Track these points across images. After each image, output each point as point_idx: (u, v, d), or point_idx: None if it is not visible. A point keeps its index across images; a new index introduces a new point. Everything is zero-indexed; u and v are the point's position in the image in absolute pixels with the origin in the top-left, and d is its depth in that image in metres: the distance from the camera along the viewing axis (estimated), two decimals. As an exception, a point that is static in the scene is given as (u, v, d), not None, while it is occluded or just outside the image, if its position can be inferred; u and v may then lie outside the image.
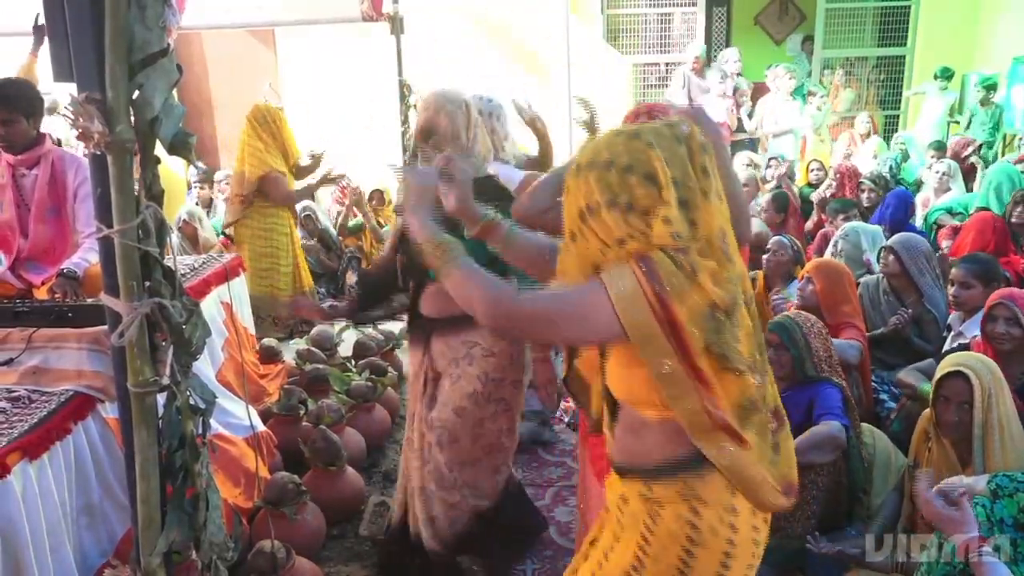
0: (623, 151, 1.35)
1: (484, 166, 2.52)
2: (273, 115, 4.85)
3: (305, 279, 5.16)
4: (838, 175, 5.92)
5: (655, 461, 1.47)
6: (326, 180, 5.11)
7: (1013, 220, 4.51)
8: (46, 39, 3.84)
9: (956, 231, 4.96)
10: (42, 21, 3.72)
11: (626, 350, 1.41)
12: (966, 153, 6.49)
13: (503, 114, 3.16)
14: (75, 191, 2.85)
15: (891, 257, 3.57)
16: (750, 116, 7.92)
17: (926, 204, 5.89)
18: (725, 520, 1.46)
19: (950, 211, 5.56)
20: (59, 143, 4.36)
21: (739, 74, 7.86)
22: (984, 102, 7.49)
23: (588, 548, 1.67)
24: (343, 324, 5.21)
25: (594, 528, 1.70)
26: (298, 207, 5.98)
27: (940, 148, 6.69)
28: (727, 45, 9.48)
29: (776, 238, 4.04)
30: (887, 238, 4.12)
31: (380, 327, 4.81)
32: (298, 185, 5.06)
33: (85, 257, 2.75)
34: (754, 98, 8.07)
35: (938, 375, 2.33)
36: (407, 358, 2.81)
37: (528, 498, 2.97)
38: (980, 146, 6.62)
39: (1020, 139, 6.99)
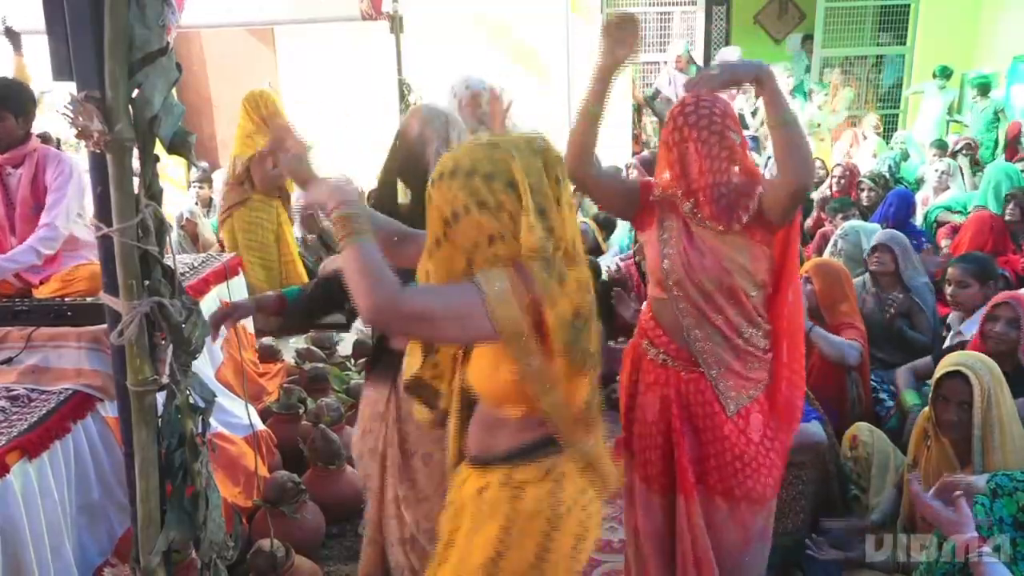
0: (484, 159, 1.41)
1: None
2: (266, 99, 4.70)
3: (298, 276, 5.02)
4: (847, 172, 5.91)
5: (514, 447, 1.54)
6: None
7: (1007, 218, 4.53)
8: (31, 38, 3.82)
9: (955, 230, 4.97)
10: (10, 23, 3.74)
11: (493, 352, 1.46)
12: (954, 149, 6.51)
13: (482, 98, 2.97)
14: (50, 183, 2.83)
15: (887, 255, 3.57)
16: (754, 114, 7.90)
17: (926, 203, 5.89)
18: (579, 500, 1.55)
19: (949, 209, 5.57)
20: (58, 143, 4.36)
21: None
22: (976, 101, 7.50)
23: (444, 552, 1.65)
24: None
25: (445, 532, 1.68)
26: (298, 206, 5.96)
27: (942, 147, 6.69)
28: (727, 44, 9.48)
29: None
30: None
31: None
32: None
33: (13, 259, 2.68)
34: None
35: (937, 375, 2.33)
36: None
37: None
38: (968, 144, 6.62)
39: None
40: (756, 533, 2.16)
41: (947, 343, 3.24)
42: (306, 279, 5.14)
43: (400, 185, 2.19)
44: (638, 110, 8.60)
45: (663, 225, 2.10)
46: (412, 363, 1.64)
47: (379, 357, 2.31)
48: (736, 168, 2.00)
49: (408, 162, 2.18)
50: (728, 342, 2.05)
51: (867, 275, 3.69)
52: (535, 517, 1.52)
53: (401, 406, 2.22)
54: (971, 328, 3.10)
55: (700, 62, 8.96)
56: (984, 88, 7.51)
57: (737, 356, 2.06)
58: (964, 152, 6.45)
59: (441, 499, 2.12)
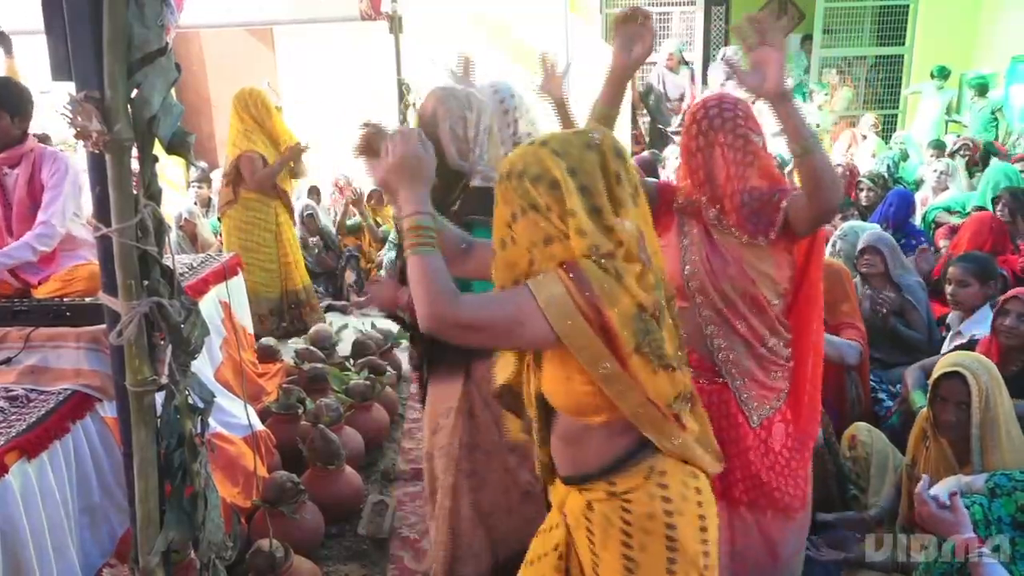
0: (532, 161, 1.41)
1: (492, 176, 2.31)
2: (257, 98, 4.68)
3: (299, 277, 5.02)
4: (847, 171, 5.92)
5: (608, 459, 1.50)
6: (292, 153, 4.76)
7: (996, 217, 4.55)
8: (25, 39, 3.80)
9: (954, 230, 4.97)
10: (1, 26, 3.75)
11: (562, 361, 1.44)
12: (952, 150, 6.51)
13: (522, 109, 2.73)
14: (46, 182, 2.82)
15: (877, 257, 3.57)
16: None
17: (925, 203, 5.90)
18: (690, 485, 1.52)
19: (948, 210, 5.57)
20: (46, 139, 4.34)
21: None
22: (974, 101, 7.51)
23: (555, 557, 1.62)
24: (342, 323, 5.20)
25: (544, 551, 1.64)
26: (299, 205, 5.95)
27: (939, 147, 6.69)
28: (726, 44, 9.48)
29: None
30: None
31: (378, 326, 4.81)
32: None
33: (8, 254, 2.69)
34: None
35: (935, 375, 2.34)
36: (406, 358, 2.62)
37: None
38: (965, 145, 6.62)
39: (1018, 138, 7.00)
40: (786, 550, 2.12)
41: (947, 344, 3.24)
42: (308, 281, 5.15)
43: None
44: (635, 110, 8.60)
45: (683, 231, 2.05)
46: (504, 370, 1.63)
47: (442, 355, 2.28)
48: (759, 173, 1.94)
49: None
50: (751, 351, 2.01)
51: (857, 277, 3.70)
52: (651, 519, 1.48)
53: (475, 398, 2.23)
54: (970, 328, 3.11)
55: (699, 62, 8.97)
56: (982, 89, 7.52)
57: (760, 365, 2.02)
58: (961, 153, 6.46)
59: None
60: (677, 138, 7.60)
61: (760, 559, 2.10)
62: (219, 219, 5.04)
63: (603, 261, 1.37)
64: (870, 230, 4.01)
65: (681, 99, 7.73)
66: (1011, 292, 2.77)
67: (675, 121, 7.99)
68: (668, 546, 1.48)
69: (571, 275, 1.36)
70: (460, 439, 2.25)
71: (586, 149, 1.40)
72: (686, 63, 7.97)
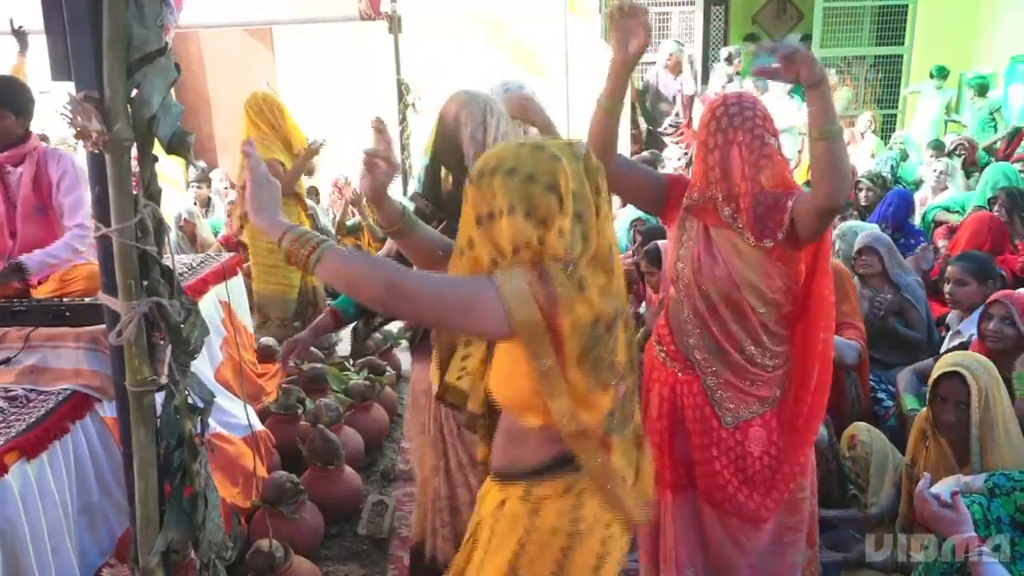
0: (529, 160, 1.38)
1: None
2: (271, 103, 4.59)
3: (310, 280, 5.00)
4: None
5: (535, 463, 1.50)
6: (309, 153, 4.71)
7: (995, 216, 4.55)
8: (30, 38, 3.80)
9: (953, 230, 4.97)
10: (20, 24, 3.76)
11: (511, 354, 1.44)
12: (949, 149, 6.51)
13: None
14: (57, 184, 2.82)
15: (874, 258, 3.57)
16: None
17: (924, 203, 5.90)
18: (601, 519, 1.50)
19: (947, 209, 5.58)
20: (44, 139, 4.34)
21: (738, 73, 7.86)
22: (974, 101, 7.51)
23: (463, 566, 1.64)
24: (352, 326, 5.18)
25: (459, 555, 1.66)
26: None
27: (938, 147, 6.69)
28: (725, 44, 9.48)
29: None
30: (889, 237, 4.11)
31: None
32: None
33: (52, 252, 2.71)
34: (754, 97, 8.06)
35: (935, 375, 2.34)
36: (406, 358, 2.66)
37: None
38: (961, 144, 6.62)
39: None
40: (761, 552, 2.09)
41: (946, 343, 3.25)
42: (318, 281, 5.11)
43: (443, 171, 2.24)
44: (635, 110, 8.60)
45: (684, 226, 2.04)
46: (435, 372, 1.63)
47: (426, 334, 2.29)
48: (773, 177, 1.92)
49: (445, 145, 2.21)
50: (726, 355, 1.99)
51: (856, 278, 3.69)
52: (554, 534, 1.48)
53: None
54: (970, 327, 3.11)
55: (699, 62, 8.97)
56: (982, 89, 7.52)
57: (735, 371, 2.00)
58: (958, 152, 6.45)
59: None
60: (667, 139, 7.59)
61: (728, 554, 2.10)
62: (241, 227, 4.95)
63: (570, 268, 1.38)
64: (867, 230, 4.01)
65: (674, 101, 7.70)
66: (994, 296, 2.78)
67: (665, 122, 7.94)
68: (556, 568, 1.48)
69: (537, 273, 1.37)
70: (435, 420, 2.29)
71: (575, 158, 1.41)
72: (690, 63, 7.94)
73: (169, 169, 6.68)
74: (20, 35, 3.71)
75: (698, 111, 7.52)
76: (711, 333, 2.00)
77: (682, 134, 7.66)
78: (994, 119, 7.42)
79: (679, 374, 2.08)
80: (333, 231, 6.31)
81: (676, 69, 7.76)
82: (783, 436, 2.03)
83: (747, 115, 1.88)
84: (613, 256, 1.46)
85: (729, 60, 7.68)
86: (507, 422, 1.56)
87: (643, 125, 8.50)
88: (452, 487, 2.32)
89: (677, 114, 7.82)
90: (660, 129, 7.88)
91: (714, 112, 1.94)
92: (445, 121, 2.27)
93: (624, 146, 7.88)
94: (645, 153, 7.10)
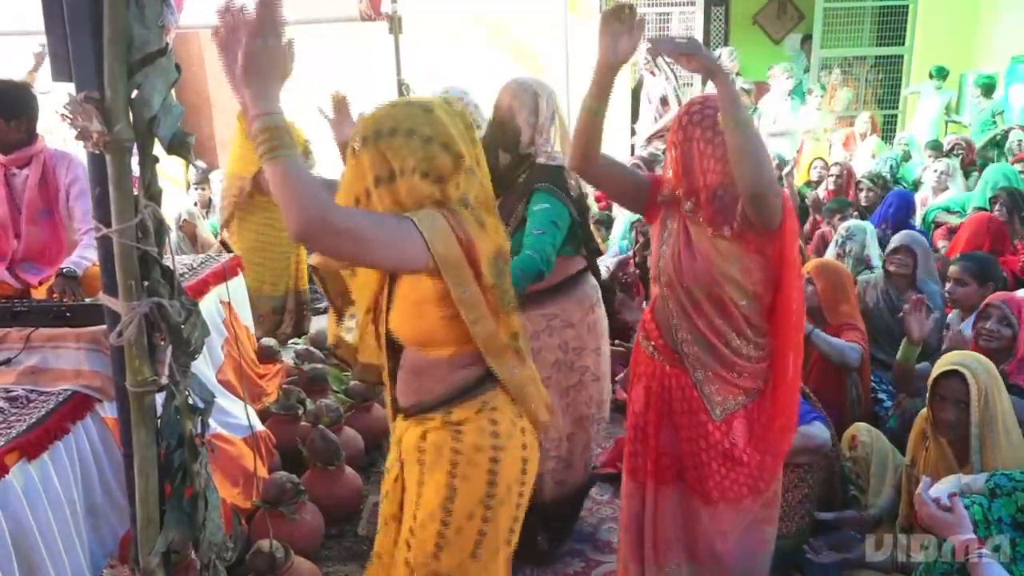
0: (423, 121, 1.50)
1: (555, 156, 2.55)
2: None
3: (302, 278, 5.00)
4: (844, 171, 5.91)
5: (448, 390, 1.62)
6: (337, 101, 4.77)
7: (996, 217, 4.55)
8: (30, 39, 3.79)
9: (953, 230, 4.97)
10: (42, 44, 3.79)
11: (415, 291, 1.55)
12: (947, 149, 6.51)
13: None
14: (67, 189, 2.82)
15: (909, 258, 3.55)
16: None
17: (925, 203, 5.89)
18: (516, 424, 1.66)
19: (948, 210, 5.57)
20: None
21: (738, 74, 7.84)
22: (978, 101, 7.50)
23: (392, 526, 1.75)
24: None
25: (386, 506, 1.78)
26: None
27: (937, 148, 6.69)
28: (725, 44, 9.48)
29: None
30: (888, 237, 4.10)
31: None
32: None
33: (84, 255, 2.74)
34: (756, 98, 8.03)
35: (934, 374, 2.33)
36: None
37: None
38: (959, 144, 6.60)
39: (1019, 140, 6.98)
40: (744, 538, 2.13)
41: (946, 343, 3.24)
42: (306, 280, 5.12)
43: (500, 153, 2.49)
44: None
45: (665, 224, 2.09)
46: (332, 325, 1.75)
47: None
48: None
49: (503, 132, 2.49)
50: (714, 349, 2.03)
51: (879, 274, 3.68)
52: (479, 450, 1.61)
53: None
54: (969, 328, 3.11)
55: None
56: (988, 88, 7.50)
57: (723, 364, 2.03)
58: (955, 152, 6.45)
59: None
60: (657, 140, 7.54)
61: (713, 543, 2.12)
62: (225, 222, 4.95)
63: (470, 208, 1.55)
64: (904, 230, 3.99)
65: (664, 102, 7.63)
66: (990, 297, 2.80)
67: (656, 121, 7.82)
68: (488, 480, 1.61)
69: (450, 213, 1.51)
70: None
71: (456, 115, 1.56)
72: (667, 64, 7.80)
73: (171, 170, 6.68)
74: (39, 56, 3.74)
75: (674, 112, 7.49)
76: (697, 328, 2.03)
77: (661, 136, 7.60)
78: (995, 121, 7.41)
79: (667, 367, 2.11)
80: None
81: (655, 71, 7.69)
82: (765, 426, 2.07)
83: (707, 113, 1.93)
84: (491, 198, 1.65)
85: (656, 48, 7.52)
86: (413, 360, 1.65)
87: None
88: None
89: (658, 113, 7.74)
90: (651, 131, 7.81)
91: (680, 113, 2.01)
92: (501, 111, 2.52)
93: (624, 143, 7.87)
94: (643, 152, 7.09)
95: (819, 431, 2.59)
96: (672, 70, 7.70)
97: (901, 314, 3.25)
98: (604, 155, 2.09)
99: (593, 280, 2.77)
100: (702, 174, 1.95)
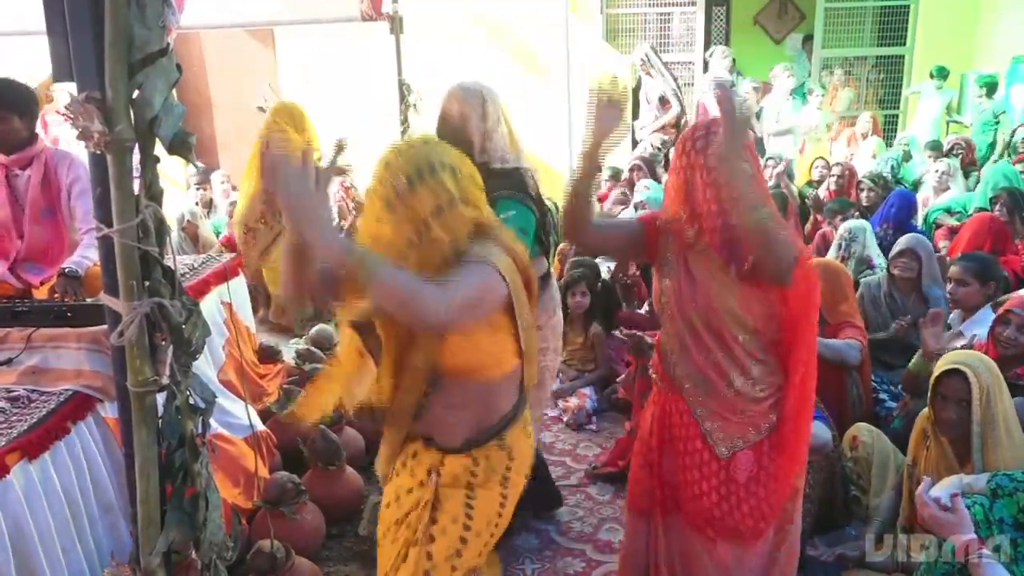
0: (450, 156, 1.61)
1: (507, 158, 2.51)
2: (297, 109, 4.69)
3: None
4: (846, 171, 5.91)
5: (498, 416, 1.73)
6: (335, 169, 4.75)
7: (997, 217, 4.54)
8: (31, 39, 3.80)
9: (954, 231, 4.96)
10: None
11: (471, 324, 1.61)
12: (946, 149, 6.50)
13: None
14: (68, 188, 2.82)
15: (914, 262, 3.54)
16: (758, 117, 7.78)
17: (926, 203, 5.89)
18: (509, 460, 1.79)
19: (948, 211, 5.57)
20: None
21: (738, 73, 7.81)
22: (981, 101, 7.49)
23: (396, 546, 1.77)
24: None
25: (403, 531, 1.77)
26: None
27: (936, 147, 6.68)
28: (726, 44, 9.46)
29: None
30: (890, 237, 4.10)
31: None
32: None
33: (85, 255, 2.74)
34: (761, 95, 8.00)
35: (936, 373, 2.33)
36: None
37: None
38: (958, 144, 6.59)
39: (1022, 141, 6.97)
40: (743, 572, 2.06)
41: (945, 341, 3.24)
42: None
43: None
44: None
45: (665, 257, 2.02)
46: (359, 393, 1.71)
47: None
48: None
49: (456, 140, 2.26)
50: (713, 389, 1.96)
51: (883, 276, 3.67)
52: (524, 464, 1.80)
53: None
54: (971, 328, 3.11)
55: (700, 63, 8.95)
56: (992, 88, 7.48)
57: (721, 403, 1.96)
58: (955, 152, 6.44)
59: None
60: (659, 133, 7.50)
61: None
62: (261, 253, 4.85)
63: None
64: (909, 233, 3.99)
65: (662, 103, 7.59)
66: (1009, 302, 2.77)
67: (656, 120, 7.77)
68: (499, 506, 1.77)
69: (497, 240, 1.63)
70: None
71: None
72: (663, 65, 7.71)
73: (173, 170, 6.68)
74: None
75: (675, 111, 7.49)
76: (698, 365, 1.97)
77: (663, 128, 7.57)
78: (998, 121, 7.41)
79: (669, 394, 2.07)
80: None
81: (651, 73, 7.64)
82: (773, 460, 1.99)
83: (712, 139, 1.87)
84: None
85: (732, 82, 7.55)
86: (450, 388, 1.70)
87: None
88: None
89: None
90: (642, 126, 7.77)
91: (684, 138, 1.96)
92: (452, 119, 2.45)
93: (625, 145, 7.86)
94: (644, 152, 7.07)
95: (820, 431, 2.56)
96: (670, 71, 7.68)
97: (902, 322, 3.25)
98: (594, 218, 2.02)
99: (555, 283, 2.82)
100: (704, 201, 1.89)
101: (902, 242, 3.65)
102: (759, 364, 1.95)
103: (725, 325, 1.92)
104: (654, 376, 2.14)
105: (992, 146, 7.16)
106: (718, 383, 1.95)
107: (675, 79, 7.68)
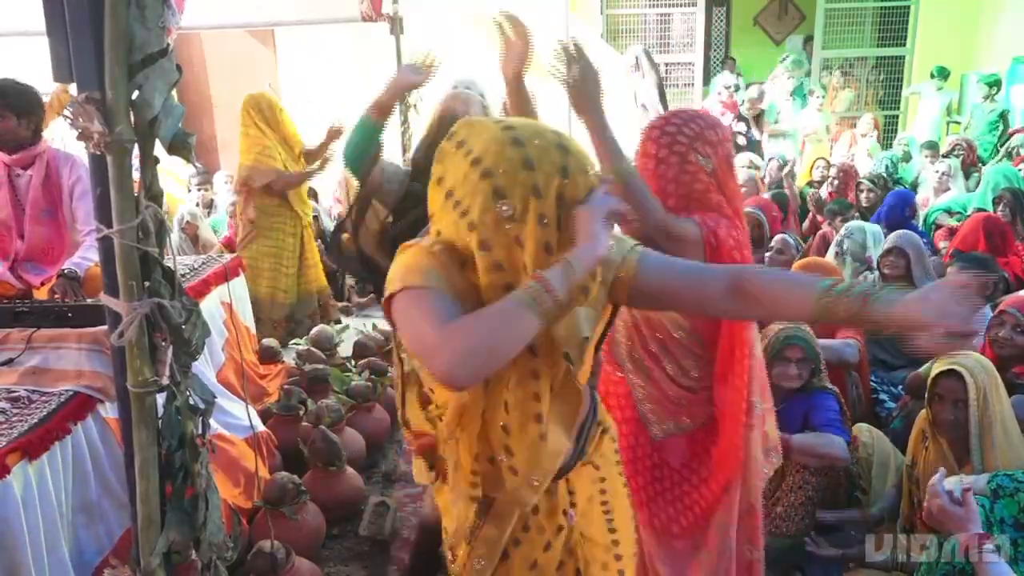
0: (541, 151, 1.28)
1: None
2: (269, 102, 4.61)
3: (315, 281, 4.91)
4: (842, 172, 5.91)
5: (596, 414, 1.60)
6: (331, 137, 4.63)
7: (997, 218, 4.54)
8: (31, 40, 3.83)
9: (953, 232, 4.96)
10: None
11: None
12: (946, 150, 6.50)
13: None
14: (71, 189, 2.83)
15: (901, 259, 3.54)
16: (757, 120, 7.76)
17: (925, 204, 5.89)
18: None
19: (948, 211, 5.56)
20: None
21: (739, 74, 7.81)
22: (983, 101, 7.48)
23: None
24: (344, 324, 5.21)
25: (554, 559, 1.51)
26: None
27: (932, 148, 6.68)
28: (726, 45, 9.47)
29: (781, 236, 4.02)
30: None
31: (379, 327, 4.80)
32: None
33: (86, 256, 2.74)
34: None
35: (933, 374, 2.33)
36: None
37: None
38: (959, 145, 6.59)
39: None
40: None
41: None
42: (325, 282, 5.09)
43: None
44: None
45: None
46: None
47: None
48: (689, 194, 1.88)
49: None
50: (649, 372, 2.00)
51: (876, 276, 3.67)
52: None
53: None
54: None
55: (700, 63, 8.96)
56: (995, 86, 7.48)
57: (658, 387, 1.98)
58: (956, 153, 6.44)
59: None
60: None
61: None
62: (241, 241, 4.84)
63: None
64: (875, 230, 4.00)
65: (645, 110, 7.55)
66: (1005, 303, 2.79)
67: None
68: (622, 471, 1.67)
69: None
70: None
71: None
72: (652, 66, 7.64)
73: (173, 167, 6.68)
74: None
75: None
76: (637, 349, 2.01)
77: None
78: (1001, 122, 7.40)
79: (616, 375, 2.09)
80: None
81: (642, 74, 7.59)
82: (709, 454, 1.98)
83: (668, 131, 1.89)
84: None
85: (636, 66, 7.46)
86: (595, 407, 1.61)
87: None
88: None
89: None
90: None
91: (644, 130, 1.97)
92: (444, 123, 2.42)
93: (633, 142, 7.84)
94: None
95: (840, 449, 2.48)
96: (657, 74, 7.64)
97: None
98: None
99: None
100: (655, 193, 1.87)
101: (889, 240, 3.66)
102: (694, 357, 1.97)
103: (662, 322, 1.96)
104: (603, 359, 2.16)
105: (996, 147, 7.16)
106: (653, 367, 1.99)
107: (661, 83, 7.59)
